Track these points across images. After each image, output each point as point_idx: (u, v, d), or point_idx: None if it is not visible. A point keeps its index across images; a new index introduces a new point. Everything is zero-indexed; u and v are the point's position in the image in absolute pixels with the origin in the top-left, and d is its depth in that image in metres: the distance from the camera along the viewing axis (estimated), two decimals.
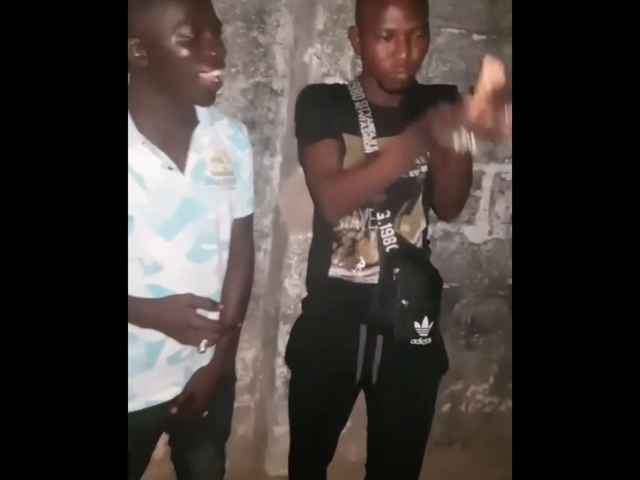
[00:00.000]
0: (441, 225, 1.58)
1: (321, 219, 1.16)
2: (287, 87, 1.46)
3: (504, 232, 1.64)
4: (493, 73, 0.77)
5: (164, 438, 1.22)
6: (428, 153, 1.11)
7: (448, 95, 1.14)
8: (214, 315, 1.02)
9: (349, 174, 1.04)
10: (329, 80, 1.31)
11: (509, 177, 1.58)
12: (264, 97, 1.45)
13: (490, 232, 1.64)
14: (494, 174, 1.57)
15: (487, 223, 1.62)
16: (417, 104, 1.08)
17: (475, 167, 1.53)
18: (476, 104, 0.78)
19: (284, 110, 1.47)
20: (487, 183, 1.57)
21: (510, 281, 1.71)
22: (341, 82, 1.31)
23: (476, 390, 1.85)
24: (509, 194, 1.60)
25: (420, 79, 1.37)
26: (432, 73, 1.39)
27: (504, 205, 1.61)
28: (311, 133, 1.10)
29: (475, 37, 1.40)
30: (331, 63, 1.30)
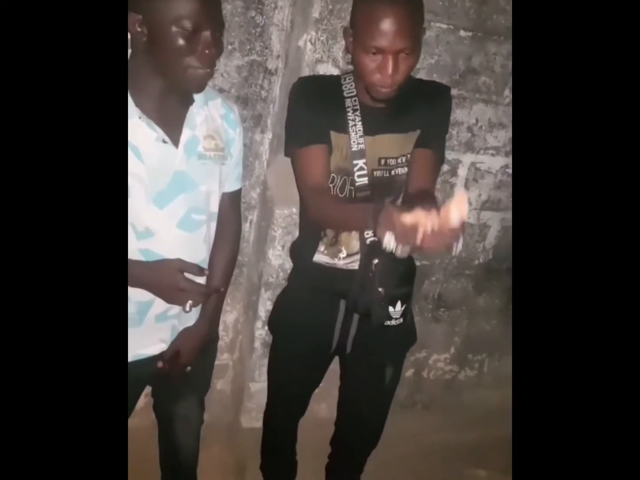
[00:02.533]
0: None
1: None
2: (281, 67, 1.47)
3: (474, 217, 1.72)
4: (460, 208, 0.74)
5: (145, 390, 1.29)
6: (408, 155, 1.16)
7: (440, 98, 1.17)
8: (200, 280, 1.08)
9: (325, 203, 1.09)
10: (322, 67, 1.34)
11: (483, 166, 1.65)
12: (258, 75, 1.46)
13: None
14: (470, 163, 1.63)
15: None
16: (406, 105, 1.11)
17: (453, 155, 1.61)
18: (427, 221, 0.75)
19: (277, 89, 1.49)
20: (462, 171, 1.63)
21: (476, 262, 1.81)
22: (333, 68, 1.35)
23: (438, 358, 1.97)
24: (482, 182, 1.67)
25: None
26: (419, 65, 1.43)
27: (477, 193, 1.68)
28: (300, 135, 1.13)
29: (462, 33, 1.44)
30: (324, 50, 1.33)
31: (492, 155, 1.64)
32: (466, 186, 1.66)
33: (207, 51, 0.92)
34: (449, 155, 1.59)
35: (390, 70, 0.98)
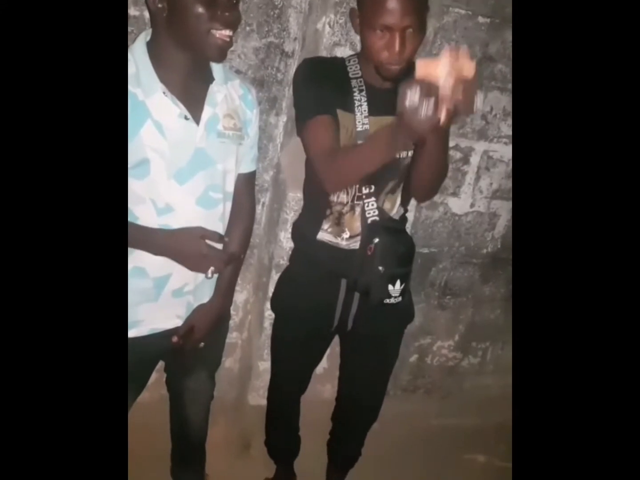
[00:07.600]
0: None
1: (317, 186, 1.19)
2: (298, 50, 1.47)
3: (484, 205, 1.73)
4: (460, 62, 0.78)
5: (156, 367, 1.31)
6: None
7: None
8: (220, 247, 1.10)
9: (343, 154, 1.07)
10: (339, 50, 1.34)
11: (496, 155, 1.65)
12: (274, 57, 1.46)
13: (472, 205, 1.72)
14: (482, 151, 1.63)
15: (470, 196, 1.70)
16: None
17: (465, 143, 1.62)
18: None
19: (292, 71, 1.47)
20: (474, 159, 1.63)
21: (484, 251, 1.82)
22: (351, 51, 1.34)
23: (442, 345, 1.99)
24: (493, 170, 1.68)
25: (424, 55, 1.43)
26: (435, 50, 1.43)
27: (488, 181, 1.69)
28: (308, 108, 1.13)
29: (480, 19, 1.44)
30: (342, 34, 1.33)
31: (505, 144, 1.65)
32: (477, 174, 1.67)
33: (226, 13, 0.94)
34: (462, 142, 1.60)
35: (397, 47, 1.01)
